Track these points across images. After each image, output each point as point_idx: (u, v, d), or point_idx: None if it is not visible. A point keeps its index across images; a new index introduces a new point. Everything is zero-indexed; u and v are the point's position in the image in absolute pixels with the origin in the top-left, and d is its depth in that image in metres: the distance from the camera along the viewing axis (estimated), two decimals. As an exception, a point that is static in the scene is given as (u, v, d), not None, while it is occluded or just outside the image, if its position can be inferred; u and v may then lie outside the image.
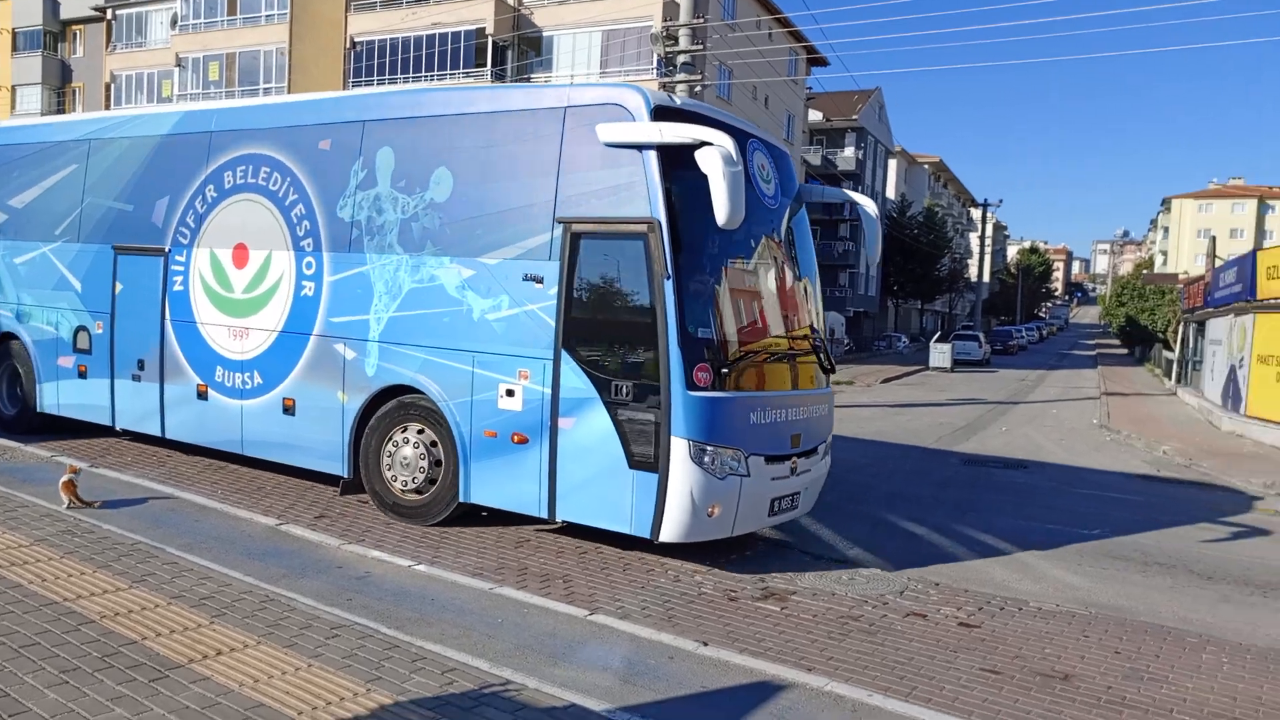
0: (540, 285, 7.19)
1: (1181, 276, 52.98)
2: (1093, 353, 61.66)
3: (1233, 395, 21.48)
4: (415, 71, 36.66)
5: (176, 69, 41.57)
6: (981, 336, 48.84)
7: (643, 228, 6.74)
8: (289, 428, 8.72)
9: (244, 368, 9.02)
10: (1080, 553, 8.68)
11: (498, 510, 7.64)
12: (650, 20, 31.17)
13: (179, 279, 9.58)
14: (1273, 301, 19.33)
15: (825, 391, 8.10)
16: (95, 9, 46.29)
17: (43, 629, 4.93)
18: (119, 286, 10.08)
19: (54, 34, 49.33)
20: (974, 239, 63.45)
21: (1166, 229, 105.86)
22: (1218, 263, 29.64)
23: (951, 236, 71.52)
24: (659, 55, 19.17)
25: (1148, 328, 51.62)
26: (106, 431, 10.51)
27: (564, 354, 7.04)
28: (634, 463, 6.77)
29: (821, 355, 7.91)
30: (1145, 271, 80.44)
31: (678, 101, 7.33)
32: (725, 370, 6.82)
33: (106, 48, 45.70)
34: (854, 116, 58.43)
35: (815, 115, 54.58)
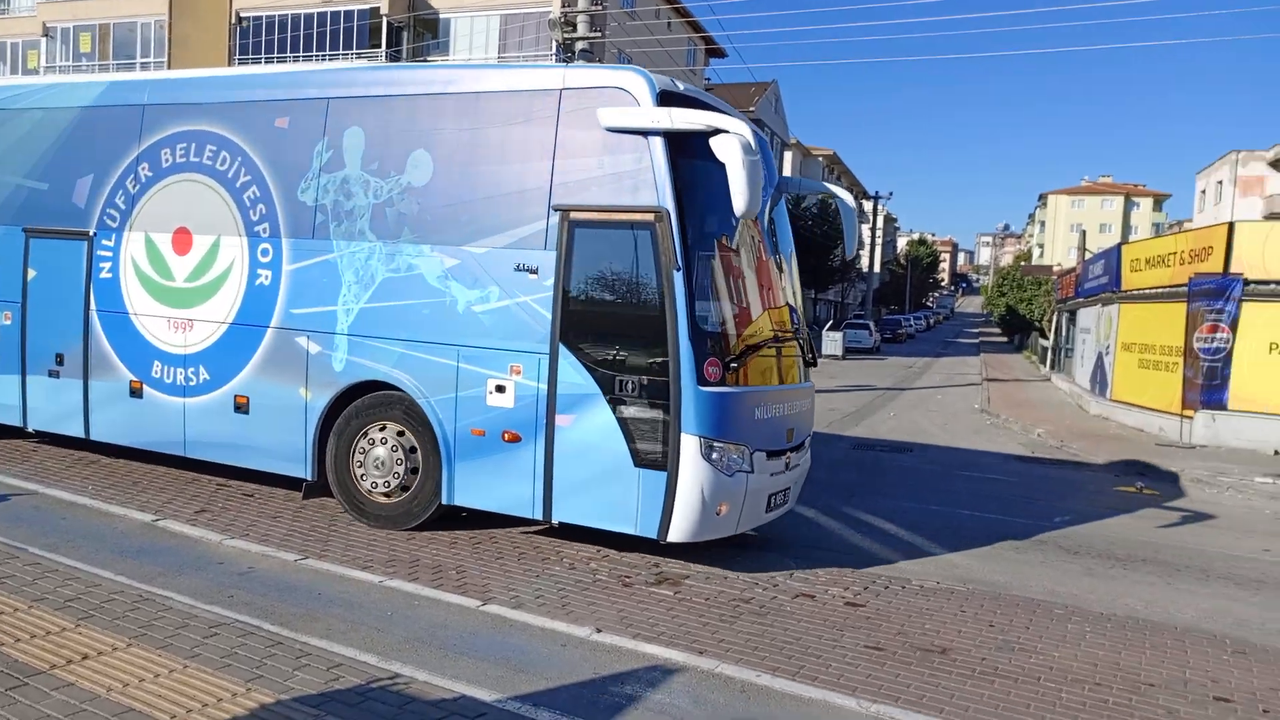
0: (535, 276, 6.88)
1: (1056, 268, 55.84)
2: (976, 340, 64.31)
3: (1100, 380, 22.75)
4: (306, 50, 35.43)
5: (44, 39, 39.09)
6: (872, 325, 50.32)
7: (650, 217, 6.50)
8: (242, 427, 8.11)
9: (187, 362, 8.40)
10: (960, 532, 9.06)
11: (478, 512, 7.33)
12: (549, 6, 30.91)
13: (107, 265, 8.85)
14: (1136, 292, 20.53)
15: (809, 385, 8.04)
16: (-51, -29, 43.10)
17: (-114, 637, 4.59)
18: (31, 273, 9.27)
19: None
20: (865, 230, 65.28)
21: (1043, 223, 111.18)
22: (1087, 255, 31.33)
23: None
24: (557, 41, 19.03)
25: (1026, 317, 54.13)
26: (16, 433, 9.73)
27: (562, 348, 6.76)
28: (640, 461, 6.56)
29: (806, 348, 7.90)
30: (1024, 263, 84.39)
31: (681, 87, 7.00)
32: (734, 365, 6.68)
33: (-38, 14, 42.62)
34: (751, 108, 59.07)
35: (713, 106, 55.01)
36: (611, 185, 6.67)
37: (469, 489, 7.21)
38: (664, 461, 6.49)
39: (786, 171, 70.23)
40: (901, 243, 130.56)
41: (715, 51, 47.03)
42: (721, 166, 6.24)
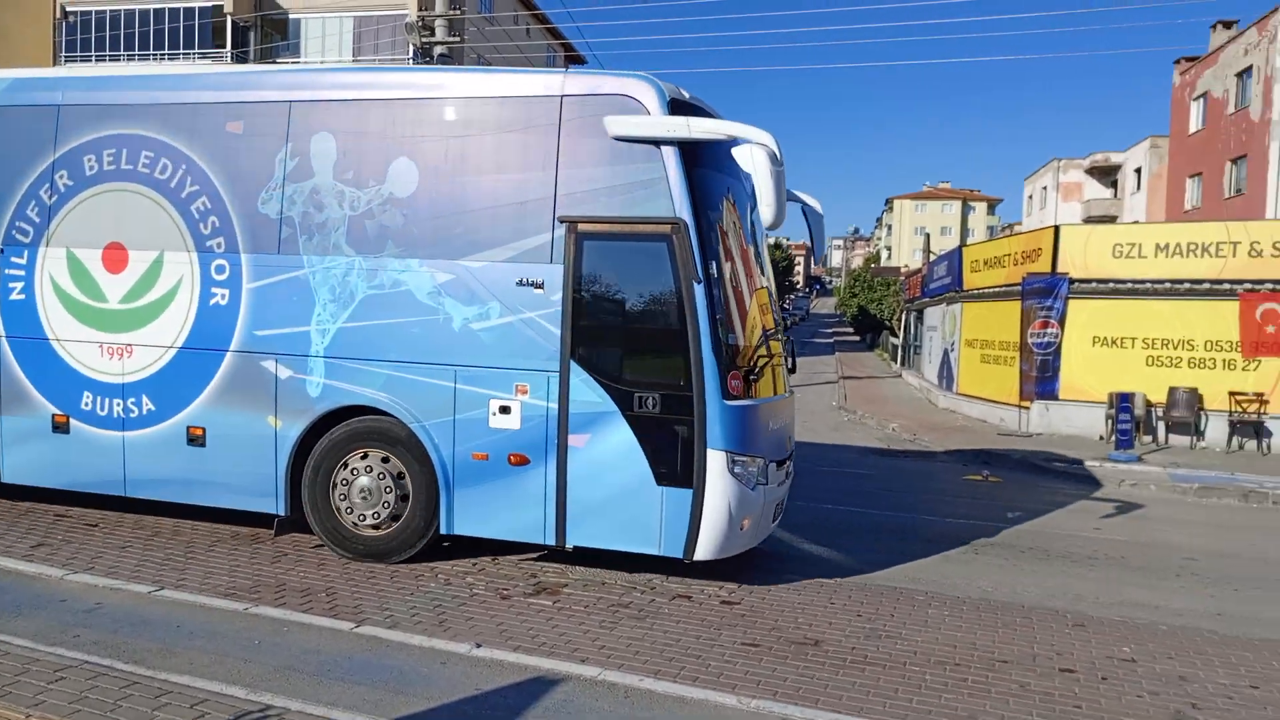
0: (540, 291, 6.61)
1: (903, 269, 58.78)
2: (831, 340, 66.81)
3: (946, 375, 24.10)
4: (142, 49, 33.41)
5: None
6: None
7: (667, 228, 6.36)
8: (197, 462, 7.42)
9: (126, 392, 7.63)
10: (825, 525, 9.41)
11: (462, 538, 6.98)
12: (404, 9, 30.25)
13: (17, 286, 7.93)
14: (976, 291, 21.86)
15: (793, 393, 8.09)
16: None
17: None
18: None
19: None
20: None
21: (890, 226, 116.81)
22: (932, 257, 33.15)
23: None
24: (415, 46, 18.65)
25: (877, 316, 56.64)
26: None
27: (573, 365, 6.54)
28: (663, 479, 6.42)
29: (790, 355, 7.96)
30: (873, 265, 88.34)
31: (686, 95, 6.81)
32: (752, 377, 6.62)
33: None
34: (611, 115, 59.59)
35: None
36: (622, 196, 6.50)
37: (471, 517, 6.89)
38: (689, 478, 6.38)
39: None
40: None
41: (575, 58, 47.16)
42: (730, 175, 6.28)
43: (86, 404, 7.74)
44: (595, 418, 6.52)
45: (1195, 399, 16.48)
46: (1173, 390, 16.62)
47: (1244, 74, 31.84)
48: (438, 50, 18.58)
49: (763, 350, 6.93)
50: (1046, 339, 17.64)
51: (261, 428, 7.25)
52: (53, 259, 7.85)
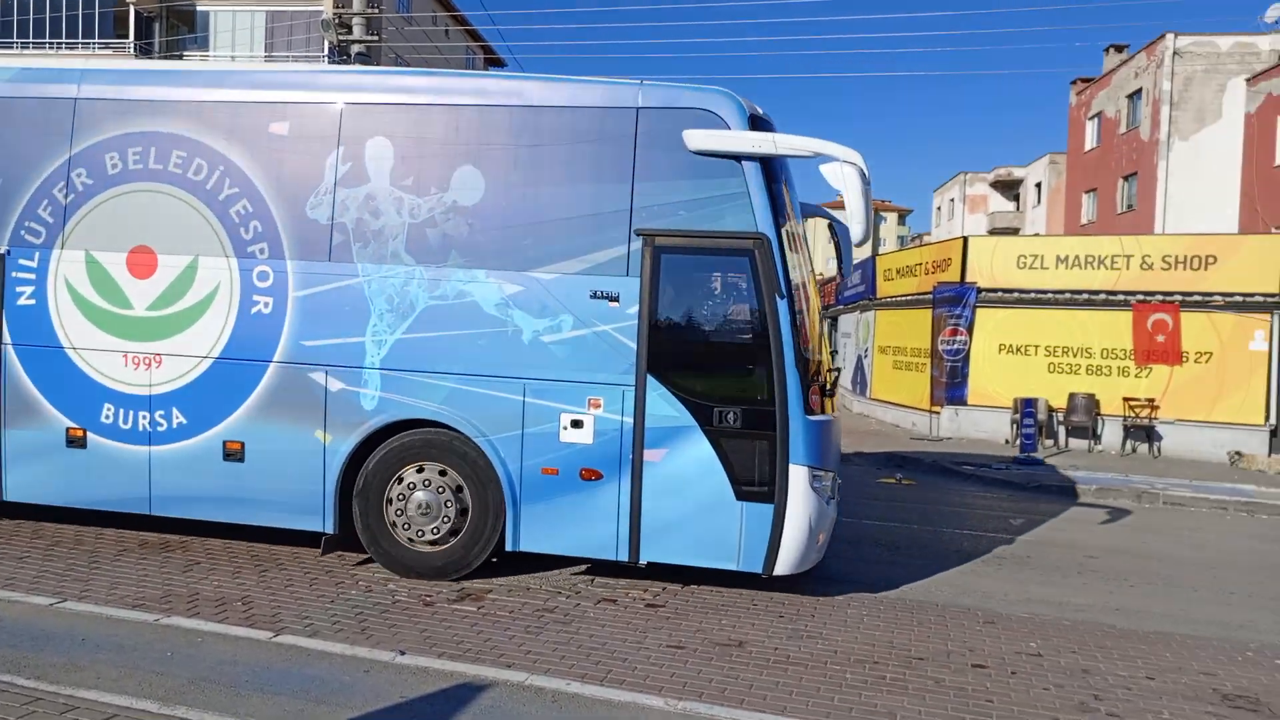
0: (616, 304, 6.56)
1: (819, 277, 59.96)
2: (749, 347, 67.94)
3: (861, 381, 24.71)
4: (38, 37, 31.91)
5: None
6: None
7: (750, 243, 6.39)
8: (235, 478, 7.06)
9: (154, 405, 7.21)
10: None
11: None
12: (319, 5, 29.61)
13: (26, 290, 7.42)
14: (889, 299, 22.50)
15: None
16: None
17: None
18: None
19: None
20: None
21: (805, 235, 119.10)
22: (847, 266, 33.92)
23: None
24: (331, 43, 18.27)
25: (793, 324, 57.68)
26: None
27: (650, 379, 6.51)
28: (743, 494, 6.42)
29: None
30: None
31: (760, 110, 6.80)
32: (828, 392, 6.71)
33: None
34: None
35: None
36: (701, 210, 6.50)
37: (538, 532, 6.76)
38: (770, 494, 6.41)
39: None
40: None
41: (495, 60, 46.83)
42: (790, 188, 6.45)
43: (107, 417, 7.29)
44: (673, 432, 6.52)
45: (1093, 404, 17.27)
46: (1072, 396, 17.39)
47: (1134, 96, 33.57)
48: (355, 49, 18.25)
49: (829, 365, 7.03)
50: (956, 346, 18.26)
51: (308, 442, 6.97)
52: (69, 262, 7.37)
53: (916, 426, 19.15)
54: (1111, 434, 17.33)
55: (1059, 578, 8.20)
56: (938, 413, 18.52)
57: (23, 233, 7.44)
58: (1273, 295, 16.51)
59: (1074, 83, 39.22)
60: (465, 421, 6.77)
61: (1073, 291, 17.59)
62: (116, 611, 5.88)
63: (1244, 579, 8.60)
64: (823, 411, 6.67)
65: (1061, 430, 17.58)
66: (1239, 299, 16.65)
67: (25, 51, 30.34)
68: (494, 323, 6.74)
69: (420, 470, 6.91)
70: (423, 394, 6.83)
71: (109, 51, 30.44)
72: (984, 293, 18.20)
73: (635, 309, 6.55)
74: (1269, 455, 16.39)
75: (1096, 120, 36.86)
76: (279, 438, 7.00)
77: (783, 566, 6.53)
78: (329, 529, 7.00)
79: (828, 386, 6.86)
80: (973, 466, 14.61)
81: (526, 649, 5.63)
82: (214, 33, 32.41)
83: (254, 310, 7.08)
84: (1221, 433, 16.73)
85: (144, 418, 7.23)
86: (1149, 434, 17.07)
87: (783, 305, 6.38)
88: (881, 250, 75.18)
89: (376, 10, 20.27)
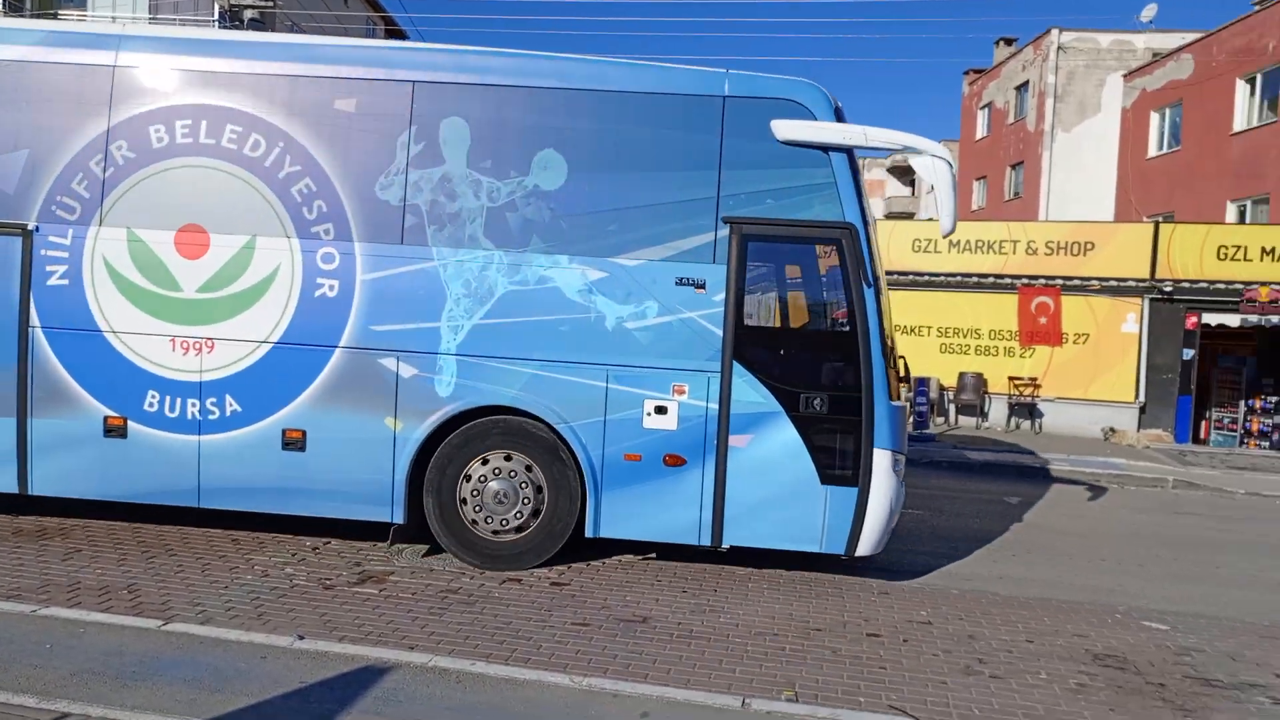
0: (702, 291, 6.58)
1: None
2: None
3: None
4: (-113, -14, 29.43)
5: None
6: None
7: (837, 233, 6.51)
8: (295, 468, 6.79)
9: (205, 391, 6.85)
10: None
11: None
12: (207, -35, 28.20)
13: (59, 270, 6.89)
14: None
15: None
16: None
17: None
18: None
19: None
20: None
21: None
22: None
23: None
24: (222, 8, 17.47)
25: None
26: None
27: (736, 366, 6.57)
28: (828, 478, 6.55)
29: None
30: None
31: (839, 101, 6.85)
32: (905, 378, 6.90)
33: None
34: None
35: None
36: (788, 199, 6.59)
37: (620, 518, 6.76)
38: (855, 477, 6.55)
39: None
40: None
41: (396, 32, 45.55)
42: (860, 177, 6.53)
43: (151, 404, 6.90)
44: (758, 418, 6.59)
45: (981, 383, 18.05)
46: (962, 375, 18.13)
47: (1022, 88, 34.95)
48: (248, 14, 17.50)
49: (899, 352, 7.19)
50: (853, 327, 18.75)
51: (378, 430, 6.77)
52: (108, 240, 6.90)
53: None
54: (998, 411, 18.15)
55: (947, 548, 8.57)
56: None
57: (53, 208, 6.93)
58: (1144, 280, 17.54)
59: (966, 73, 40.59)
60: (546, 408, 6.73)
61: (964, 275, 18.29)
62: (-11, 603, 5.57)
63: (1114, 547, 9.15)
64: (898, 397, 6.85)
65: (952, 408, 18.32)
66: (1114, 283, 17.62)
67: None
68: (576, 308, 6.71)
69: (496, 458, 6.87)
70: (501, 380, 6.75)
71: (-27, 7, 28.35)
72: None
73: (721, 295, 6.62)
74: (1138, 431, 17.46)
75: (987, 110, 38.26)
76: (344, 425, 6.80)
77: (864, 547, 6.68)
78: (398, 519, 6.86)
79: (905, 373, 7.14)
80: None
81: (430, 630, 5.58)
82: (91, -9, 30.52)
83: (318, 293, 6.83)
84: (1097, 410, 17.73)
85: (193, 405, 6.89)
86: (1031, 411, 17.95)
87: (869, 293, 6.54)
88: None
89: (269, -26, 19.45)
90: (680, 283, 6.66)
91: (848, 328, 6.62)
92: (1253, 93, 23.93)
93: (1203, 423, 18.75)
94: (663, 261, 6.68)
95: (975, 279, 18.24)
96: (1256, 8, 24.34)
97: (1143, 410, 17.74)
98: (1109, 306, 17.68)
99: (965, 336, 18.39)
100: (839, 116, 6.76)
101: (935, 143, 6.78)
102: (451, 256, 6.78)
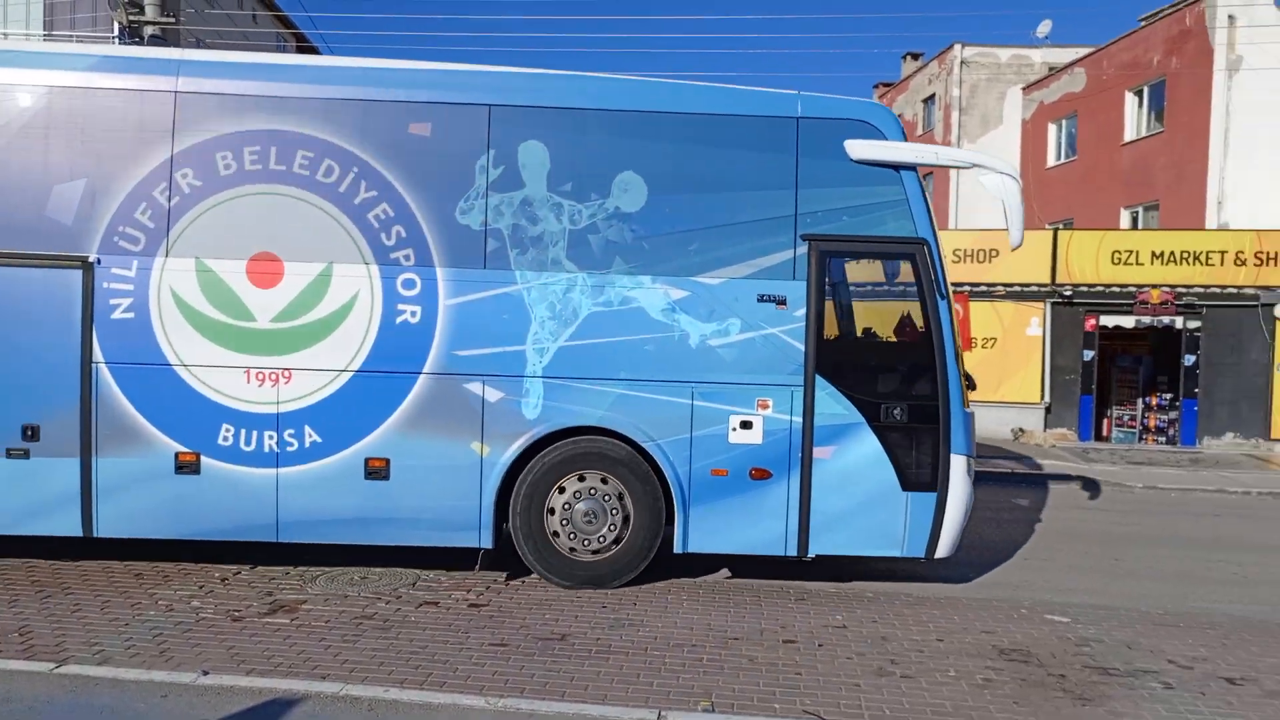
0: (783, 307, 6.76)
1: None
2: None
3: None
4: None
5: None
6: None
7: (912, 247, 6.78)
8: (379, 498, 6.73)
9: (282, 424, 6.71)
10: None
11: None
12: (105, -19, 27.31)
13: (123, 303, 6.66)
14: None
15: None
16: None
17: None
18: None
19: None
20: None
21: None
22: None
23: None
24: (121, 24, 16.92)
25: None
26: None
27: (818, 379, 6.77)
28: (908, 485, 6.78)
29: None
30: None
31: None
32: (971, 385, 7.13)
33: None
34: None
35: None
36: (862, 216, 6.82)
37: (707, 533, 6.90)
38: (933, 482, 6.79)
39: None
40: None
41: (308, 49, 44.74)
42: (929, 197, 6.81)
43: (225, 439, 6.72)
44: (842, 429, 6.79)
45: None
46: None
47: (929, 100, 36.09)
48: (148, 31, 16.97)
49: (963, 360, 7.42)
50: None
51: (464, 455, 6.77)
52: (175, 271, 6.70)
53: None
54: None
55: (864, 553, 8.73)
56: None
57: (116, 239, 6.70)
58: (1045, 285, 18.24)
59: (876, 86, 41.73)
60: (633, 427, 6.82)
61: (874, 285, 18.71)
62: None
63: (1022, 543, 9.47)
64: (968, 405, 7.08)
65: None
66: (1018, 289, 18.27)
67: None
68: (660, 328, 6.81)
69: (582, 479, 6.96)
70: (588, 401, 6.81)
71: None
72: (797, 286, 19.07)
73: (802, 311, 6.80)
74: (1044, 430, 18.12)
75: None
76: (429, 452, 6.76)
77: (943, 549, 6.92)
78: (486, 544, 6.89)
79: (972, 380, 7.37)
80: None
81: (343, 659, 5.47)
82: (-20, 7, 29.25)
83: (399, 320, 6.76)
84: (1006, 411, 18.33)
85: (270, 438, 6.74)
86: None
87: (943, 305, 6.82)
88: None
89: (171, -10, 18.92)
90: (762, 299, 6.83)
91: (924, 339, 6.89)
92: (1140, 104, 25.18)
93: (1104, 420, 19.54)
94: (744, 279, 6.84)
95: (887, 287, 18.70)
96: (1142, 24, 25.63)
97: (1048, 410, 18.41)
98: (1014, 311, 18.32)
99: (880, 344, 18.83)
100: (905, 136, 7.11)
101: (1003, 160, 7.15)
102: (536, 279, 6.81)
